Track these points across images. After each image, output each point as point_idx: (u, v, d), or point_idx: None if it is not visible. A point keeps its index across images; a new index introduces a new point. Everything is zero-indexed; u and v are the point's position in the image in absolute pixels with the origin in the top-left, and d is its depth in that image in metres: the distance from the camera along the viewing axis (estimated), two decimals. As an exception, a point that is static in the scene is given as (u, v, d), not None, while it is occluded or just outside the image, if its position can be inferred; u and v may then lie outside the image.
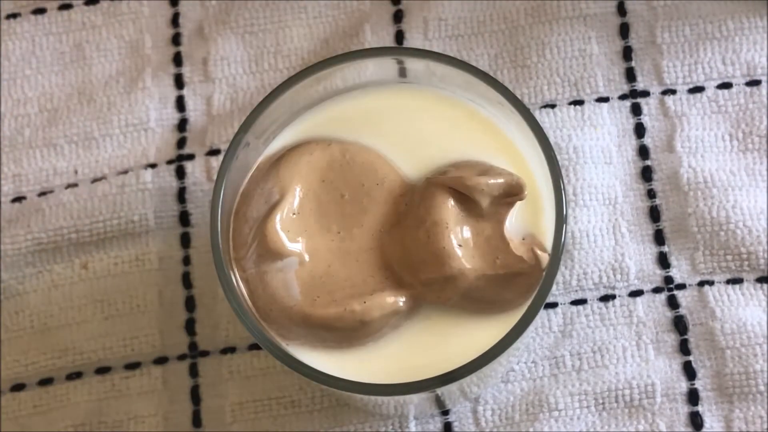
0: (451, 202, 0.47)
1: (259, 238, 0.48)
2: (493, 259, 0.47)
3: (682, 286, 0.55)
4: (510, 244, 0.47)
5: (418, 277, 0.47)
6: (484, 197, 0.47)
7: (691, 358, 0.54)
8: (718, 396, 0.53)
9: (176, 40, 0.60)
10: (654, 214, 0.56)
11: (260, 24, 0.59)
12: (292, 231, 0.48)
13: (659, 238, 0.55)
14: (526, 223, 0.48)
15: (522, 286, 0.47)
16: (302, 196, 0.48)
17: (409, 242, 0.47)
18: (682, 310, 0.54)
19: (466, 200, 0.47)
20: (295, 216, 0.48)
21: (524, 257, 0.47)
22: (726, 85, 0.57)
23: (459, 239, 0.47)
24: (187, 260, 0.57)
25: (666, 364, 0.54)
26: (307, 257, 0.48)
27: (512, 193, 0.47)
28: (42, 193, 0.58)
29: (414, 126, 0.50)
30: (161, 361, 0.56)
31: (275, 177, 0.49)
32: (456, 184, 0.47)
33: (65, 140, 0.58)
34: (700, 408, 0.53)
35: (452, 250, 0.47)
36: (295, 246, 0.48)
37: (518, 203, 0.48)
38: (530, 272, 0.47)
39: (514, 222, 0.48)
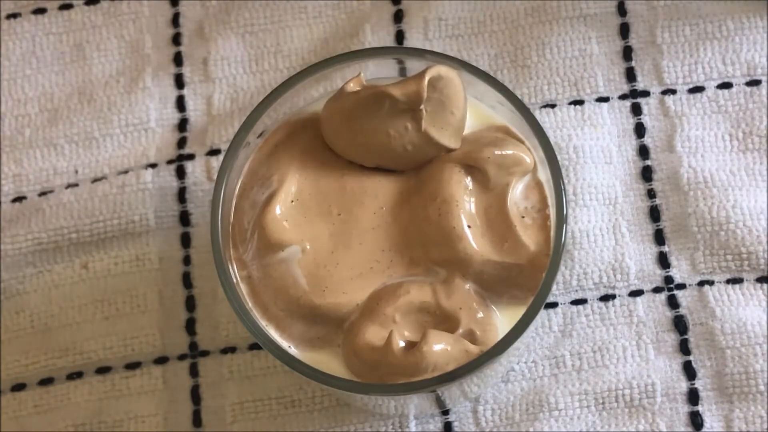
0: (461, 178, 0.47)
1: (258, 231, 0.48)
2: (501, 243, 0.47)
3: (682, 286, 0.55)
4: (516, 228, 0.47)
5: (429, 255, 0.47)
6: (492, 168, 0.47)
7: (691, 357, 0.54)
8: (718, 396, 0.53)
9: (176, 40, 0.60)
10: (654, 214, 0.56)
11: (260, 24, 0.59)
12: (291, 219, 0.48)
13: (659, 238, 0.55)
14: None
15: (523, 281, 0.47)
16: (301, 180, 0.48)
17: (419, 220, 0.47)
18: (682, 310, 0.54)
19: (474, 172, 0.48)
20: (293, 203, 0.48)
21: (529, 245, 0.47)
22: (726, 85, 0.57)
23: (469, 218, 0.47)
24: (187, 260, 0.57)
25: (666, 363, 0.54)
26: (308, 245, 0.48)
27: (518, 164, 0.48)
28: (42, 193, 0.58)
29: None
30: (161, 361, 0.56)
31: (274, 165, 0.49)
32: (466, 158, 0.47)
33: (65, 140, 0.58)
34: (700, 408, 0.53)
35: (462, 232, 0.47)
36: (295, 234, 0.48)
37: (522, 183, 0.48)
38: (532, 271, 0.47)
39: (517, 200, 0.48)
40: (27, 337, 0.56)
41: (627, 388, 0.54)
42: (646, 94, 0.57)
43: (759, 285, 0.54)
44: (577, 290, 0.55)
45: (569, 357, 0.54)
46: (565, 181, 0.50)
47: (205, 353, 0.56)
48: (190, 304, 0.56)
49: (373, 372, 0.46)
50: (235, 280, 0.48)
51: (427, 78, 0.46)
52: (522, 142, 0.49)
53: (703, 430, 0.53)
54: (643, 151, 0.56)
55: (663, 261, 0.55)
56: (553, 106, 0.57)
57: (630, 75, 0.57)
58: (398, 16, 0.59)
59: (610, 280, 0.55)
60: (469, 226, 0.47)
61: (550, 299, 0.55)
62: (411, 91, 0.46)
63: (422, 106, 0.47)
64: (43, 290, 0.57)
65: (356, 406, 0.54)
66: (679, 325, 0.54)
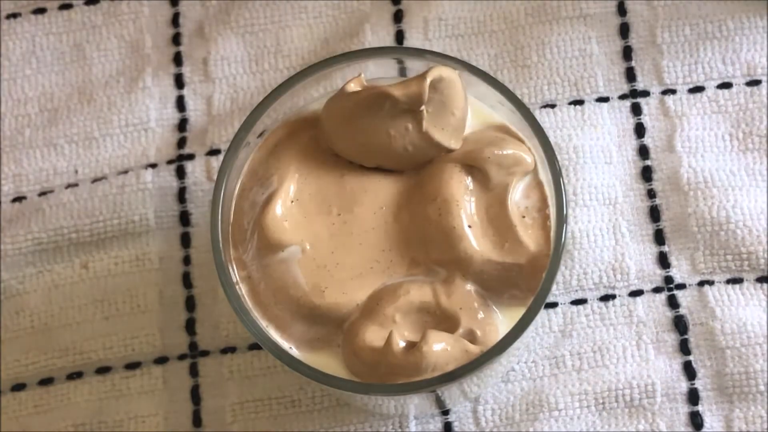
0: (461, 177, 0.47)
1: (258, 231, 0.48)
2: (502, 243, 0.47)
3: (682, 286, 0.55)
4: (516, 228, 0.47)
5: (429, 255, 0.47)
6: (493, 168, 0.47)
7: (691, 357, 0.54)
8: (719, 396, 0.53)
9: (176, 39, 0.60)
10: (654, 214, 0.56)
11: (260, 24, 0.59)
12: (291, 219, 0.48)
13: (659, 238, 0.55)
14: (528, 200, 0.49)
15: (523, 281, 0.47)
16: (301, 181, 0.48)
17: (420, 220, 0.47)
18: (682, 310, 0.54)
19: (475, 172, 0.48)
20: (293, 203, 0.48)
21: (529, 245, 0.47)
22: (726, 85, 0.57)
23: (469, 218, 0.47)
24: (187, 260, 0.57)
25: (666, 363, 0.54)
26: (308, 245, 0.48)
27: (519, 164, 0.48)
28: (42, 193, 0.58)
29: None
30: (161, 360, 0.56)
31: (274, 165, 0.49)
32: (466, 157, 0.47)
33: (65, 140, 0.58)
34: (700, 408, 0.53)
35: (462, 231, 0.47)
36: (295, 234, 0.48)
37: (522, 182, 0.48)
38: (532, 271, 0.47)
39: (518, 200, 0.48)
40: (27, 337, 0.56)
41: (627, 388, 0.54)
42: (646, 94, 0.57)
43: (759, 285, 0.54)
44: (577, 290, 0.55)
45: (569, 357, 0.54)
46: (565, 181, 0.50)
47: (205, 353, 0.56)
48: (190, 304, 0.56)
49: (373, 372, 0.46)
50: (235, 280, 0.48)
51: (428, 79, 0.46)
52: (522, 141, 0.49)
53: (703, 430, 0.53)
54: (643, 151, 0.56)
55: (663, 261, 0.55)
56: (553, 106, 0.57)
57: (630, 75, 0.57)
58: (398, 16, 0.59)
59: (610, 280, 0.55)
60: (469, 226, 0.47)
61: (550, 299, 0.55)
62: (412, 92, 0.46)
63: (423, 107, 0.47)
64: (43, 290, 0.57)
65: (356, 406, 0.54)
66: (679, 325, 0.54)
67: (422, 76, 0.46)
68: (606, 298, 0.55)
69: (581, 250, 0.55)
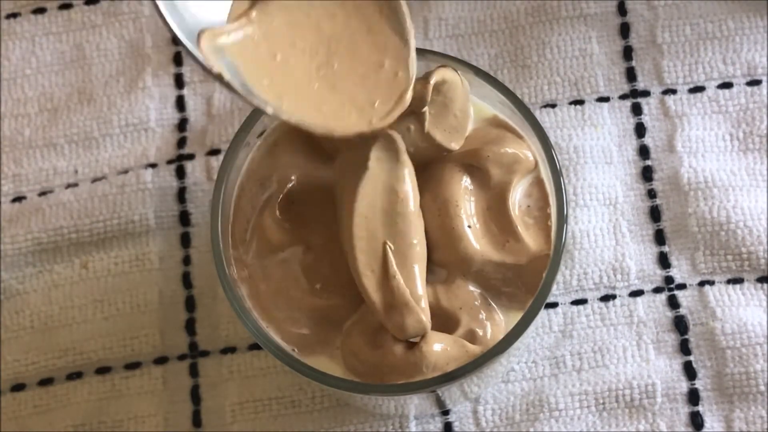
0: (462, 177, 0.47)
1: (258, 231, 0.48)
2: (502, 243, 0.47)
3: (682, 286, 0.55)
4: (517, 228, 0.47)
5: (430, 256, 0.47)
6: (493, 167, 0.47)
7: (691, 358, 0.54)
8: (719, 396, 0.53)
9: (176, 39, 0.59)
10: (654, 214, 0.56)
11: (260, 24, 0.59)
12: (291, 219, 0.48)
13: (660, 238, 0.55)
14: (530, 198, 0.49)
15: (524, 281, 0.47)
16: (301, 181, 0.48)
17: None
18: (682, 310, 0.54)
19: (475, 172, 0.47)
20: (293, 203, 0.48)
21: (530, 245, 0.47)
22: (726, 85, 0.57)
23: (469, 218, 0.47)
24: (187, 260, 0.57)
25: (666, 364, 0.54)
26: (308, 246, 0.48)
27: (519, 162, 0.48)
28: (42, 193, 0.58)
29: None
30: (161, 361, 0.56)
31: (274, 165, 0.49)
32: (467, 157, 0.47)
33: (65, 140, 0.58)
34: (700, 408, 0.53)
35: (463, 232, 0.47)
36: (295, 235, 0.47)
37: (523, 181, 0.48)
38: (532, 271, 0.47)
39: (518, 199, 0.48)
40: (27, 337, 0.56)
41: (627, 388, 0.53)
42: (646, 93, 0.57)
43: (759, 285, 0.54)
44: (577, 290, 0.55)
45: (569, 357, 0.54)
46: (566, 181, 0.50)
47: (205, 353, 0.56)
48: (190, 304, 0.56)
49: (373, 372, 0.46)
50: (235, 281, 0.48)
51: (432, 82, 0.46)
52: (522, 139, 0.49)
53: (704, 430, 0.53)
54: (644, 151, 0.56)
55: (663, 261, 0.55)
56: (553, 105, 0.57)
57: (630, 75, 0.57)
58: (398, 16, 0.58)
59: (610, 280, 0.55)
60: (469, 227, 0.47)
61: (551, 299, 0.55)
62: (416, 94, 0.46)
63: (426, 109, 0.47)
64: (43, 290, 0.57)
65: (356, 406, 0.54)
66: (680, 325, 0.54)
67: (426, 79, 0.46)
68: (606, 298, 0.55)
69: (581, 250, 0.55)
